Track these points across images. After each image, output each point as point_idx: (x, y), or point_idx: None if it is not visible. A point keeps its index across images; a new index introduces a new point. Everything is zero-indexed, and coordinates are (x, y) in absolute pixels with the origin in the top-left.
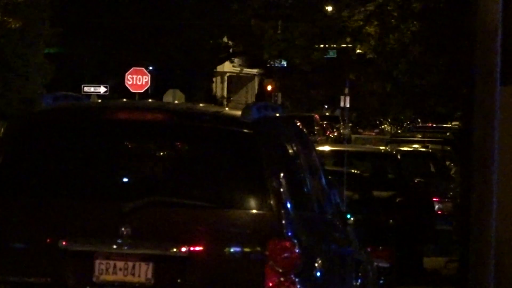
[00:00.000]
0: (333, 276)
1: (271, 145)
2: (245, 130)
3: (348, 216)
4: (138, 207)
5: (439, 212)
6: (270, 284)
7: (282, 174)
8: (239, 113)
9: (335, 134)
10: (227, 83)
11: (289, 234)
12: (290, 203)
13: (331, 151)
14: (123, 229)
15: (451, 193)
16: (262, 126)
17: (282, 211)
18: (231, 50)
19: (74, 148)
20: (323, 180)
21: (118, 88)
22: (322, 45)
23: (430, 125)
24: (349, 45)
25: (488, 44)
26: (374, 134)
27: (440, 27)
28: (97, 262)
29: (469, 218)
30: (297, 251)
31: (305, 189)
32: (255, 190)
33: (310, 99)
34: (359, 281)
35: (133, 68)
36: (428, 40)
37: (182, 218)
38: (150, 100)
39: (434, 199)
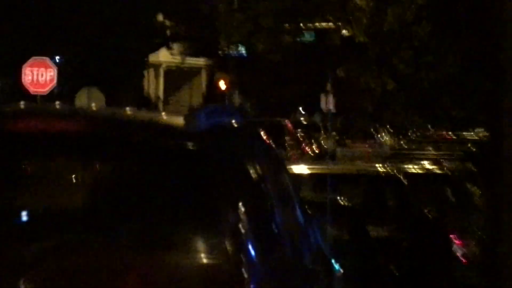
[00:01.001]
0: None
1: (225, 165)
2: (190, 145)
3: (335, 264)
4: (45, 251)
5: (459, 255)
6: None
7: (241, 205)
8: (181, 121)
9: (314, 147)
10: (164, 78)
11: None
12: (253, 246)
13: (309, 172)
14: (23, 284)
15: (475, 228)
16: (213, 138)
17: (242, 258)
18: (168, 33)
19: None
20: (299, 213)
21: (12, 87)
22: (294, 26)
23: (445, 134)
24: (332, 25)
25: None
26: (367, 146)
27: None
28: None
29: (500, 264)
30: None
31: (274, 226)
32: (204, 227)
33: (280, 99)
34: None
35: (33, 59)
36: (439, 17)
37: (105, 266)
38: (57, 103)
39: (452, 237)
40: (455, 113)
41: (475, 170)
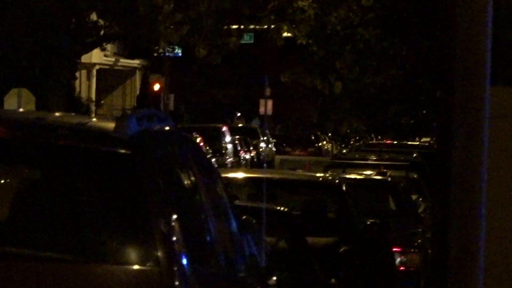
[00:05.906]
0: None
1: (157, 172)
2: (120, 151)
3: (271, 274)
4: None
5: (401, 268)
6: None
7: (174, 215)
8: (111, 125)
9: (252, 154)
10: (97, 80)
11: None
12: (186, 256)
13: (246, 179)
14: None
15: (419, 241)
16: (144, 144)
17: (175, 267)
18: (102, 33)
19: None
20: (234, 222)
21: None
22: (236, 27)
23: (389, 142)
24: (272, 27)
25: (475, 27)
26: (307, 154)
27: (405, 2)
28: None
29: (446, 277)
30: None
31: (207, 235)
32: (135, 237)
33: (216, 103)
34: None
35: None
36: (386, 19)
37: (33, 278)
38: None
39: (394, 248)
40: (401, 120)
41: (420, 179)
